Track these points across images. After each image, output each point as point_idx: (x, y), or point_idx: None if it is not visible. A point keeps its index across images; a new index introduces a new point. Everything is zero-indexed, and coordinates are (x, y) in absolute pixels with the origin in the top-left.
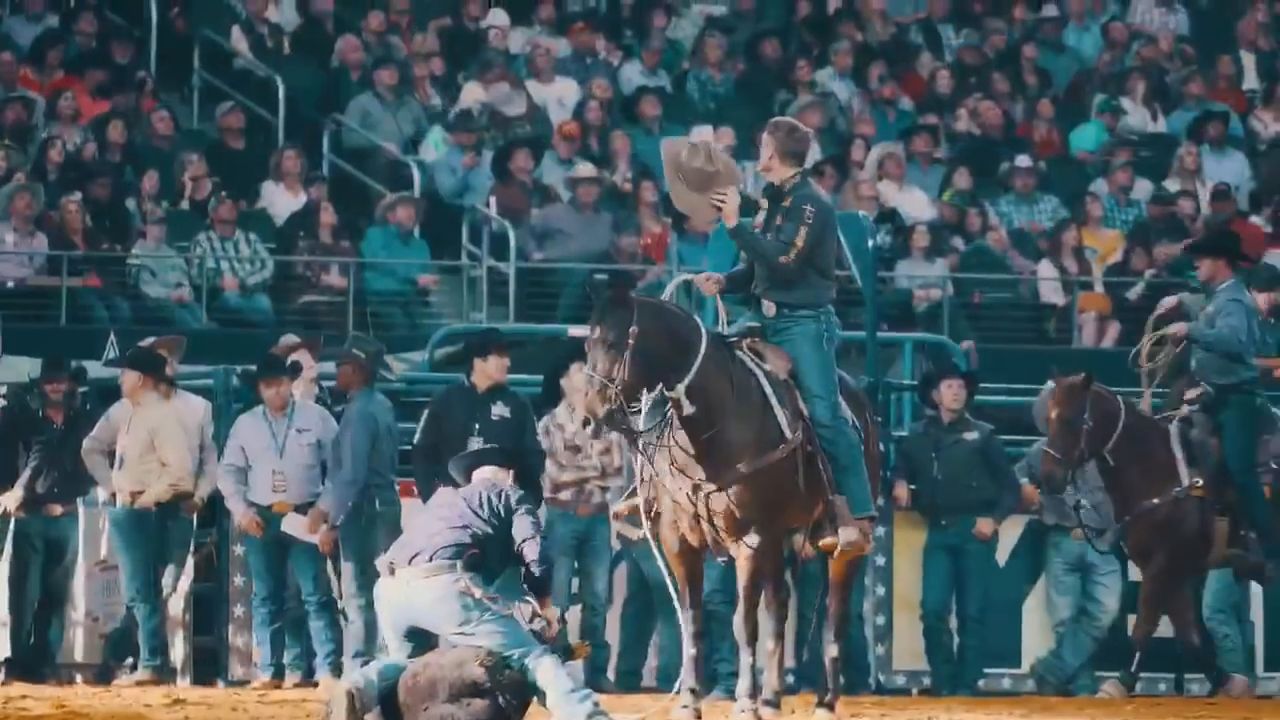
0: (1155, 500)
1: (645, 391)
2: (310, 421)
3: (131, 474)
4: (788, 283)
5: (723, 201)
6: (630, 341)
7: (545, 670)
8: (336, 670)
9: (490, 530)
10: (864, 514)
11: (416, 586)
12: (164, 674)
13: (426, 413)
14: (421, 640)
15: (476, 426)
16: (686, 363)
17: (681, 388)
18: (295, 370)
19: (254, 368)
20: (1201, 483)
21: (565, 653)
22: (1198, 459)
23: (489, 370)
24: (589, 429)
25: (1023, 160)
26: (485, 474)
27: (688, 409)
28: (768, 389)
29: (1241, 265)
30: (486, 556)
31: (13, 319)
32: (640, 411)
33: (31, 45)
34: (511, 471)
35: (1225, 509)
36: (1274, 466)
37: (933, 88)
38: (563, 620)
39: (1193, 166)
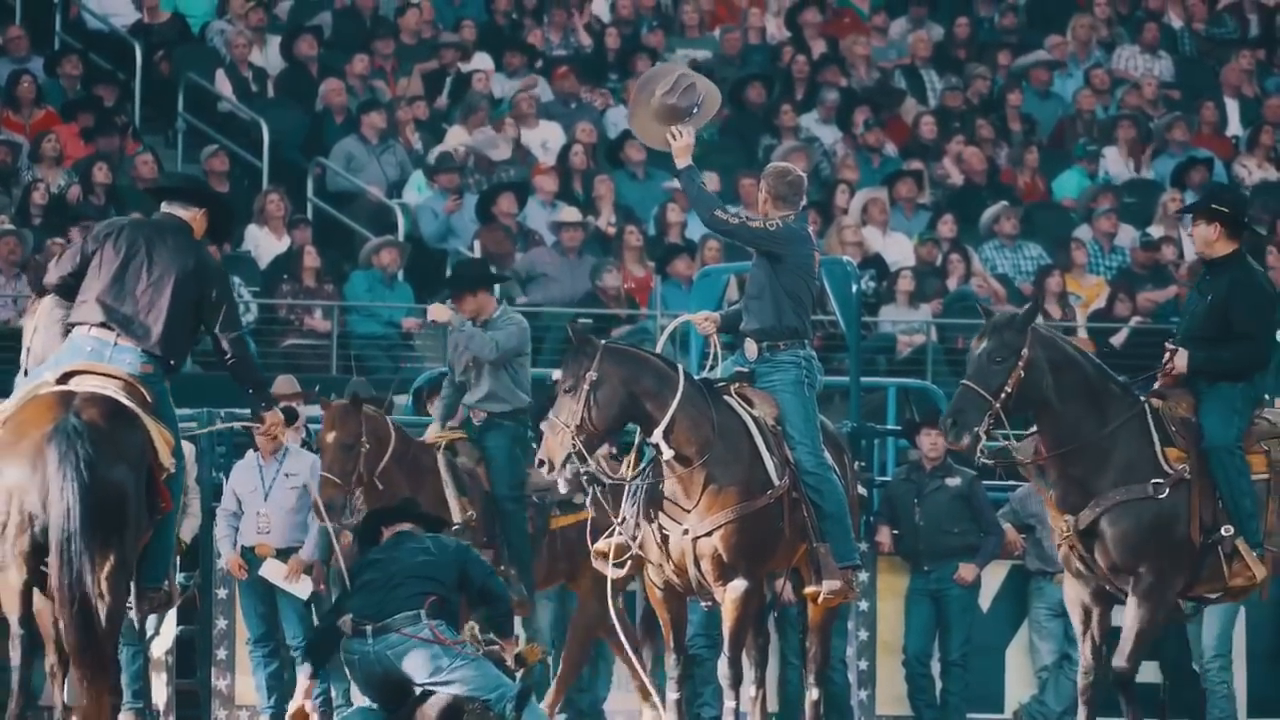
0: None
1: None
2: (299, 466)
3: None
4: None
5: (676, 138)
6: (585, 386)
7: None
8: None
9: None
10: (848, 563)
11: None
12: (147, 716)
13: None
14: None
15: None
16: (660, 408)
17: (658, 432)
18: (291, 416)
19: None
20: (475, 516)
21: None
22: (466, 489)
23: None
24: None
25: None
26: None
27: (667, 453)
28: (756, 434)
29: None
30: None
31: None
32: (614, 456)
33: (15, 87)
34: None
35: (491, 541)
36: (534, 500)
37: (917, 133)
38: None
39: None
